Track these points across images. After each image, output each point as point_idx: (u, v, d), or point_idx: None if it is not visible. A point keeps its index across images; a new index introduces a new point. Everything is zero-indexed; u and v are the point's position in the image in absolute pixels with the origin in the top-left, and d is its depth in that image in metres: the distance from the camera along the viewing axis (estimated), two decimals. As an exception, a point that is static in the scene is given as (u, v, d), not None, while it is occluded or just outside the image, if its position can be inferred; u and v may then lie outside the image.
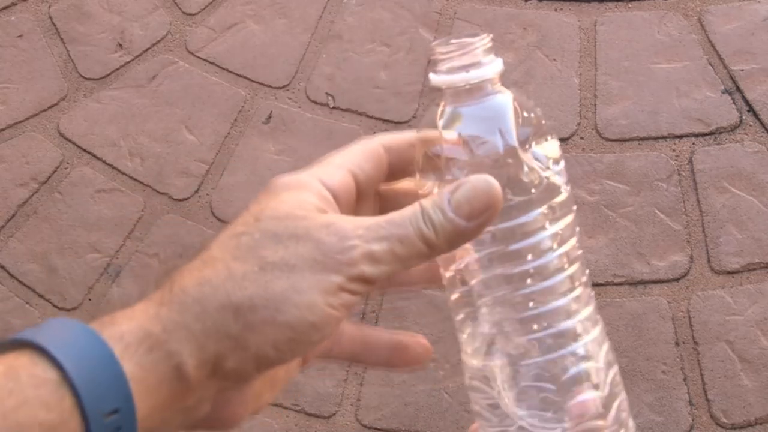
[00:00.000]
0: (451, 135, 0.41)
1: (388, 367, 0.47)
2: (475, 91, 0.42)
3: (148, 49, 1.46)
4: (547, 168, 0.42)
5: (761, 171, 1.29)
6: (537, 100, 1.37)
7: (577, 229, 0.44)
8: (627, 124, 1.34)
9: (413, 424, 1.17)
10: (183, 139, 1.37)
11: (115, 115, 1.41)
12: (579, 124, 1.35)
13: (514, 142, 0.41)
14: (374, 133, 1.33)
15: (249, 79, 1.41)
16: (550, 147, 0.43)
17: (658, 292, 1.23)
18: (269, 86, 1.41)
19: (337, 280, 0.38)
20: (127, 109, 1.41)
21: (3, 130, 1.41)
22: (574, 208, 0.44)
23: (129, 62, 1.45)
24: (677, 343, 1.19)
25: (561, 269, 0.42)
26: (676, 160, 1.31)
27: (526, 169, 0.41)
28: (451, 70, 0.42)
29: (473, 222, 0.39)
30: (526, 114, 0.43)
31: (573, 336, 0.42)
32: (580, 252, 0.43)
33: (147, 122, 1.40)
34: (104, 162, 1.38)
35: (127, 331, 0.36)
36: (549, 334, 0.42)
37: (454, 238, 0.40)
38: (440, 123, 0.42)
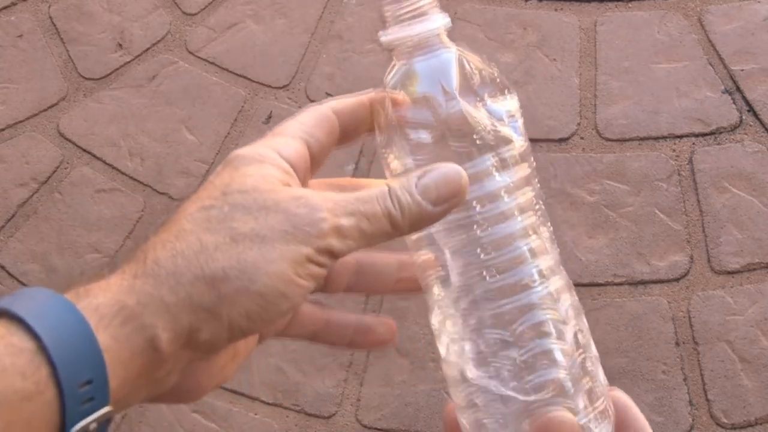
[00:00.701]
0: (399, 92, 0.42)
1: (351, 348, 0.48)
2: (422, 46, 0.43)
3: (148, 49, 1.46)
4: (501, 121, 0.42)
5: (761, 171, 1.29)
6: (537, 100, 1.37)
7: (537, 184, 0.44)
8: (627, 124, 1.34)
9: (413, 424, 1.17)
10: (183, 139, 1.37)
11: (115, 115, 1.41)
12: (579, 124, 1.35)
13: (458, 94, 0.41)
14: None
15: (249, 79, 1.41)
16: (508, 103, 0.43)
17: (658, 292, 1.23)
18: (269, 86, 1.41)
19: (306, 252, 0.38)
20: (127, 109, 1.41)
21: (3, 130, 1.41)
22: (533, 163, 0.44)
23: (129, 62, 1.45)
24: (677, 343, 1.19)
25: (512, 219, 0.42)
26: (676, 160, 1.31)
27: (471, 119, 0.41)
28: (397, 27, 0.42)
29: (438, 207, 0.40)
30: (477, 69, 0.43)
31: (526, 285, 0.42)
32: (537, 206, 0.43)
33: (147, 122, 1.40)
34: (104, 162, 1.38)
35: (103, 303, 0.37)
36: (498, 284, 0.42)
37: (418, 221, 0.41)
38: (389, 80, 0.43)
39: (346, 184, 0.47)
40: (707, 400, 1.16)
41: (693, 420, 1.15)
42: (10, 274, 1.31)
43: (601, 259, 1.24)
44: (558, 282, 0.43)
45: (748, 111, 1.34)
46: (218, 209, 0.39)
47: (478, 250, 0.42)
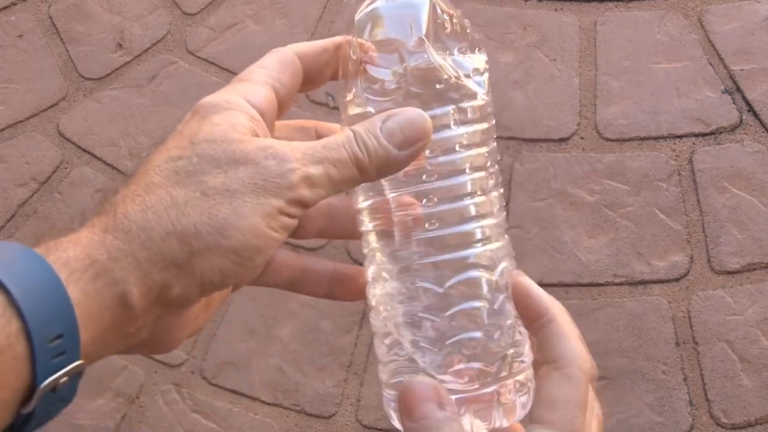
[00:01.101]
0: (365, 38, 0.42)
1: (328, 298, 0.48)
2: None
3: (148, 49, 1.46)
4: (467, 75, 0.42)
5: (761, 171, 1.29)
6: (537, 100, 1.37)
7: (494, 143, 0.43)
8: (627, 124, 1.34)
9: (413, 424, 1.17)
10: (183, 139, 1.37)
11: (115, 115, 1.41)
12: (579, 124, 1.35)
13: (426, 41, 0.41)
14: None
15: (249, 79, 1.41)
16: (476, 59, 0.43)
17: (658, 292, 1.23)
18: (269, 86, 1.41)
19: (277, 204, 0.38)
20: (127, 109, 1.41)
21: (3, 130, 1.41)
22: (492, 121, 0.43)
23: (129, 62, 1.45)
24: (677, 343, 1.19)
25: (462, 174, 0.42)
26: (676, 160, 1.31)
27: (436, 67, 0.41)
28: None
29: (404, 151, 0.40)
30: (449, 18, 0.43)
31: (465, 242, 0.42)
32: (490, 165, 0.43)
33: (147, 122, 1.40)
34: (104, 162, 1.38)
35: (73, 257, 0.36)
36: (438, 236, 0.42)
37: (385, 166, 0.40)
38: (357, 19, 0.43)
39: (310, 126, 0.46)
40: (707, 400, 1.16)
41: (693, 420, 1.15)
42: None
43: (601, 259, 1.24)
44: (498, 245, 0.43)
45: (748, 111, 1.34)
46: (186, 160, 0.38)
47: (424, 200, 0.42)
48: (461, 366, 0.41)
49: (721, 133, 1.33)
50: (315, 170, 0.39)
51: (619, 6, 1.45)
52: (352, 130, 0.40)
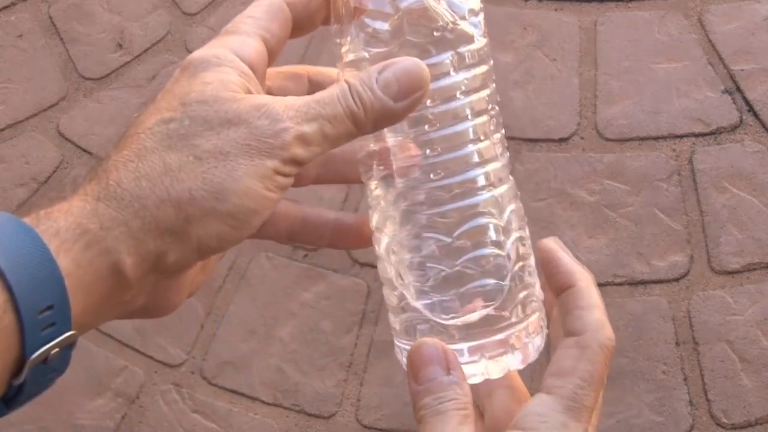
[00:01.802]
0: None
1: (330, 247, 0.47)
2: None
3: (148, 49, 1.46)
4: (462, 17, 0.41)
5: (761, 171, 1.29)
6: (537, 100, 1.37)
7: (493, 84, 0.42)
8: (627, 124, 1.34)
9: (413, 424, 1.17)
10: (183, 139, 1.37)
11: (115, 115, 1.41)
12: (579, 124, 1.35)
13: None
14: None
15: (249, 79, 1.41)
16: (471, 0, 0.42)
17: (658, 292, 1.23)
18: (269, 86, 1.41)
19: (272, 165, 0.37)
20: (127, 109, 1.41)
21: (3, 130, 1.41)
22: (491, 62, 0.43)
23: (129, 62, 1.45)
24: (677, 343, 1.19)
25: (464, 120, 0.41)
26: (676, 160, 1.31)
27: (432, 12, 0.40)
28: None
29: (401, 103, 0.39)
30: None
31: (471, 189, 0.41)
32: (491, 107, 0.42)
33: (147, 122, 1.40)
34: (104, 162, 1.38)
35: (64, 227, 0.36)
36: (443, 185, 0.41)
37: (381, 118, 0.39)
38: None
39: (302, 73, 0.45)
40: (707, 400, 1.16)
41: (693, 420, 1.15)
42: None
43: (601, 259, 1.24)
44: (504, 189, 0.42)
45: (748, 111, 1.34)
46: (178, 122, 0.38)
47: (427, 151, 0.41)
48: (473, 313, 0.41)
49: (721, 133, 1.33)
50: (309, 128, 0.38)
51: (619, 6, 1.44)
52: (347, 82, 0.39)
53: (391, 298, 0.43)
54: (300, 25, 0.43)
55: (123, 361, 1.21)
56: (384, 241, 0.43)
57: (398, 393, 1.18)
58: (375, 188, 0.43)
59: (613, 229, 1.27)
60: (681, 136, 1.33)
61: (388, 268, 0.43)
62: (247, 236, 0.39)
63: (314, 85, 0.45)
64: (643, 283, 1.23)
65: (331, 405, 1.18)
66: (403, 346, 0.43)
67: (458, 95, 0.41)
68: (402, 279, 0.42)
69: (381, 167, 0.42)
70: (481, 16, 0.42)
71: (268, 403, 1.19)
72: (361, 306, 1.23)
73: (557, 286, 0.42)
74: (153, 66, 1.45)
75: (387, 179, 0.42)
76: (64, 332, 0.35)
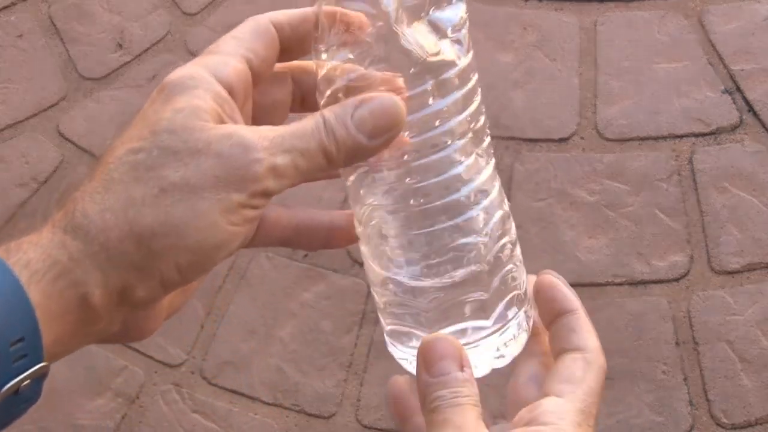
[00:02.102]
0: (348, 10, 0.39)
1: (324, 248, 0.47)
2: None
3: (148, 49, 1.46)
4: (444, 38, 0.40)
5: (761, 171, 1.29)
6: (537, 100, 1.37)
7: (477, 98, 0.41)
8: (627, 124, 1.34)
9: (413, 424, 1.17)
10: (183, 139, 1.37)
11: (115, 115, 1.41)
12: (579, 124, 1.35)
13: (391, 13, 0.39)
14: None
15: (249, 79, 1.41)
16: (453, 11, 0.40)
17: (658, 292, 1.23)
18: (269, 86, 1.41)
19: (238, 198, 0.37)
20: (127, 109, 1.41)
21: (3, 130, 1.41)
22: (474, 77, 0.41)
23: (129, 62, 1.45)
24: (677, 343, 1.19)
25: (443, 147, 0.40)
26: (676, 160, 1.31)
27: (406, 44, 0.39)
28: None
29: (375, 141, 0.39)
30: None
31: (455, 211, 0.41)
32: (473, 125, 0.41)
33: (147, 122, 1.40)
34: (104, 162, 1.38)
35: (34, 258, 0.36)
36: (425, 209, 0.41)
37: (354, 155, 0.39)
38: None
39: (285, 72, 0.44)
40: (707, 400, 1.16)
41: (693, 420, 1.15)
42: (10, 274, 1.31)
43: (601, 259, 1.24)
44: (487, 202, 0.42)
45: (748, 111, 1.34)
46: (146, 153, 0.37)
47: (407, 179, 0.40)
48: (453, 274, 0.41)
49: (721, 133, 1.33)
50: (282, 160, 0.37)
51: (619, 6, 1.44)
52: (323, 116, 0.39)
53: (377, 297, 0.43)
54: (289, 48, 0.43)
55: (123, 361, 1.21)
56: (369, 234, 0.43)
57: (398, 393, 1.18)
58: (354, 182, 0.43)
59: (613, 229, 1.27)
60: (681, 136, 1.33)
61: (373, 260, 0.43)
62: (211, 269, 0.38)
63: (298, 85, 0.44)
64: (643, 283, 1.23)
65: (331, 405, 1.18)
66: (393, 341, 0.43)
67: (437, 123, 0.40)
68: (391, 265, 0.42)
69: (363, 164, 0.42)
70: (466, 27, 0.41)
71: (268, 403, 1.19)
72: (361, 306, 1.23)
73: (559, 309, 0.43)
74: (153, 66, 1.45)
75: (368, 174, 0.42)
76: (36, 364, 0.35)
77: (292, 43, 0.42)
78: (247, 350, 1.22)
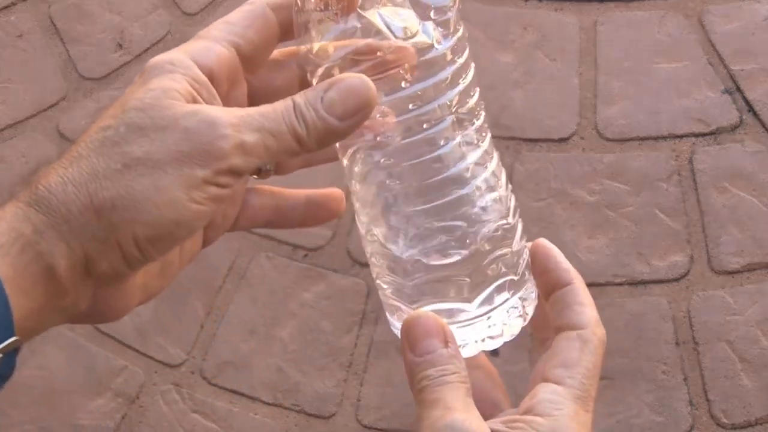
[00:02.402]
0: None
1: (303, 227, 0.47)
2: None
3: (148, 49, 1.46)
4: (426, 18, 0.39)
5: (761, 171, 1.29)
6: (537, 100, 1.37)
7: (463, 82, 0.41)
8: (627, 124, 1.34)
9: (414, 424, 1.17)
10: (183, 139, 1.37)
11: (115, 115, 1.41)
12: (579, 124, 1.35)
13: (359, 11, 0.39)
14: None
15: (249, 79, 1.41)
16: None
17: (658, 292, 1.23)
18: (269, 86, 1.41)
19: (202, 174, 0.36)
20: (127, 109, 1.41)
21: (3, 130, 1.41)
22: (458, 59, 0.40)
23: (129, 62, 1.45)
24: (677, 343, 1.19)
25: (418, 131, 0.40)
26: (676, 160, 1.31)
27: (377, 25, 0.39)
28: None
29: (345, 122, 0.38)
30: None
31: (437, 192, 0.40)
32: (458, 107, 0.41)
33: (147, 122, 1.40)
34: (104, 162, 1.38)
35: (0, 232, 0.36)
36: (403, 189, 0.40)
37: (325, 137, 0.39)
38: None
39: (285, 57, 0.44)
40: (707, 400, 1.16)
41: (693, 420, 1.15)
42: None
43: (601, 259, 1.24)
44: (476, 184, 0.41)
45: (748, 111, 1.34)
46: (114, 130, 0.37)
47: (388, 159, 0.40)
48: (437, 253, 0.41)
49: (721, 133, 1.33)
50: (250, 137, 0.37)
51: (619, 6, 1.44)
52: (293, 100, 0.38)
53: (378, 279, 0.43)
54: (290, 29, 0.42)
55: (123, 361, 1.21)
56: (364, 219, 0.43)
57: (398, 393, 1.18)
58: (347, 162, 0.43)
59: (613, 229, 1.27)
60: (681, 136, 1.33)
61: (365, 234, 0.43)
62: (173, 247, 0.38)
63: (303, 71, 0.44)
64: (643, 283, 1.23)
65: (331, 405, 1.18)
66: (393, 319, 0.44)
67: (411, 107, 0.39)
68: (380, 241, 0.42)
69: (358, 144, 0.42)
70: (453, 11, 0.40)
71: (268, 403, 1.19)
72: (361, 306, 1.23)
73: (554, 283, 0.43)
74: (153, 66, 1.45)
75: (356, 154, 0.42)
76: (7, 338, 0.35)
77: (291, 24, 0.42)
78: (247, 350, 1.22)
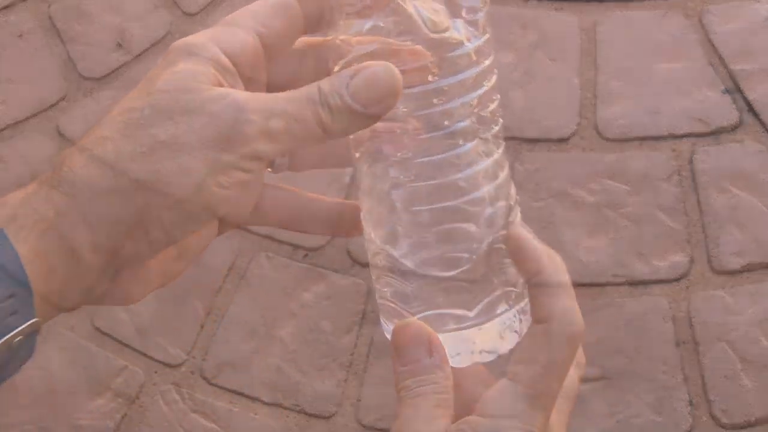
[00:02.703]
0: None
1: (329, 234, 0.46)
2: None
3: (148, 49, 1.46)
4: (458, 16, 0.39)
5: (762, 171, 1.29)
6: (537, 100, 1.37)
7: (487, 84, 0.40)
8: (627, 124, 1.34)
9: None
10: (183, 139, 1.36)
11: (115, 115, 1.41)
12: (579, 124, 1.35)
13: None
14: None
15: (249, 79, 1.41)
16: None
17: (659, 292, 1.23)
18: (269, 86, 1.41)
19: (228, 159, 0.36)
20: (127, 109, 1.41)
21: (3, 130, 1.41)
22: (485, 61, 0.40)
23: (129, 62, 1.45)
24: (677, 344, 1.19)
25: (441, 127, 0.40)
26: (676, 160, 1.31)
27: (413, 17, 0.39)
28: None
29: (370, 109, 0.38)
30: None
31: (446, 194, 0.40)
32: (479, 109, 0.40)
33: (147, 122, 1.39)
34: (104, 162, 1.37)
35: (21, 214, 0.35)
36: (419, 186, 0.40)
37: (349, 125, 0.38)
38: None
39: (304, 46, 0.44)
40: (707, 400, 1.16)
41: (693, 420, 1.15)
42: (10, 274, 1.31)
43: (601, 259, 1.24)
44: (487, 190, 0.41)
45: (749, 111, 1.34)
46: (139, 112, 0.37)
47: (402, 156, 0.40)
48: (440, 258, 0.40)
49: (721, 133, 1.33)
50: (275, 124, 0.37)
51: (619, 6, 1.44)
52: (319, 87, 0.38)
53: (377, 286, 0.43)
54: (315, 21, 0.42)
55: (123, 361, 1.21)
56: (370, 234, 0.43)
57: (398, 393, 1.18)
58: (365, 167, 0.42)
59: (613, 229, 1.27)
60: (681, 136, 1.33)
61: (371, 232, 0.43)
62: (197, 231, 0.38)
63: (324, 62, 0.43)
64: (643, 283, 1.23)
65: (331, 405, 1.18)
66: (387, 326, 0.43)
67: (435, 102, 0.39)
68: (394, 246, 0.42)
69: (367, 148, 0.41)
70: (484, 12, 0.41)
71: (268, 403, 1.19)
72: (361, 306, 1.23)
73: (526, 274, 0.41)
74: (153, 66, 1.44)
75: (370, 150, 0.41)
76: (28, 320, 0.35)
77: (318, 16, 0.42)
78: (247, 350, 1.22)
